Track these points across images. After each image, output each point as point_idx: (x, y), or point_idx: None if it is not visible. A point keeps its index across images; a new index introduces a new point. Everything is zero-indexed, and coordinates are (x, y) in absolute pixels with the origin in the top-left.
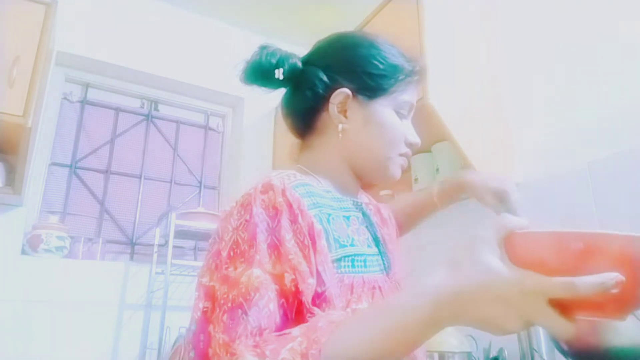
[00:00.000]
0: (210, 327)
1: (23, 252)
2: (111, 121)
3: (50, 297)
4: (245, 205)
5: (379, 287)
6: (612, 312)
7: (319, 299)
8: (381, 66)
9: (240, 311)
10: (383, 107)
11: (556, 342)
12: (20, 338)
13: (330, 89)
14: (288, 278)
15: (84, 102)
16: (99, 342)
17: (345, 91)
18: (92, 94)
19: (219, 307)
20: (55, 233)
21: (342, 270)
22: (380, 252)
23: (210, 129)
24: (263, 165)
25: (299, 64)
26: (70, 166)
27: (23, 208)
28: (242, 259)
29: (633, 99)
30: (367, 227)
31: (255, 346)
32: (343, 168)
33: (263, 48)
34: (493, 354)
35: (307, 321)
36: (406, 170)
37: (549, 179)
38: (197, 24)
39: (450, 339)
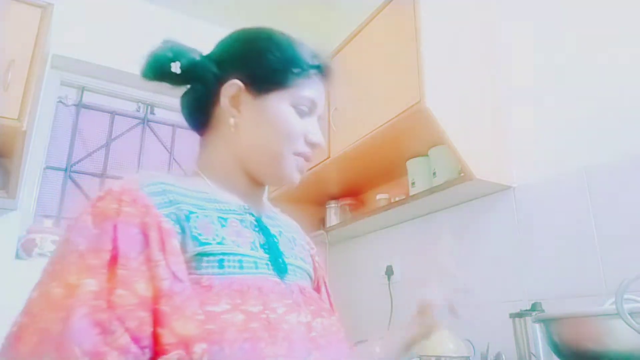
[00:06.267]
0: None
1: (17, 256)
2: (107, 124)
3: None
4: (77, 218)
5: (258, 288)
6: None
7: (170, 300)
8: (276, 59)
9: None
10: (279, 101)
11: (553, 345)
12: None
13: (222, 82)
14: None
15: (79, 105)
16: None
17: (236, 82)
18: (88, 97)
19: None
20: (50, 237)
21: (203, 271)
22: (272, 257)
23: None
24: None
25: (197, 59)
26: (65, 170)
27: (17, 212)
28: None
29: (630, 104)
30: (254, 231)
31: None
32: (234, 167)
33: (164, 42)
34: (490, 358)
35: None
36: (403, 175)
37: (545, 183)
38: (192, 27)
39: (448, 343)
